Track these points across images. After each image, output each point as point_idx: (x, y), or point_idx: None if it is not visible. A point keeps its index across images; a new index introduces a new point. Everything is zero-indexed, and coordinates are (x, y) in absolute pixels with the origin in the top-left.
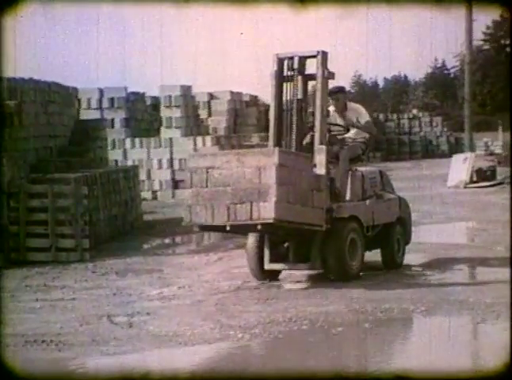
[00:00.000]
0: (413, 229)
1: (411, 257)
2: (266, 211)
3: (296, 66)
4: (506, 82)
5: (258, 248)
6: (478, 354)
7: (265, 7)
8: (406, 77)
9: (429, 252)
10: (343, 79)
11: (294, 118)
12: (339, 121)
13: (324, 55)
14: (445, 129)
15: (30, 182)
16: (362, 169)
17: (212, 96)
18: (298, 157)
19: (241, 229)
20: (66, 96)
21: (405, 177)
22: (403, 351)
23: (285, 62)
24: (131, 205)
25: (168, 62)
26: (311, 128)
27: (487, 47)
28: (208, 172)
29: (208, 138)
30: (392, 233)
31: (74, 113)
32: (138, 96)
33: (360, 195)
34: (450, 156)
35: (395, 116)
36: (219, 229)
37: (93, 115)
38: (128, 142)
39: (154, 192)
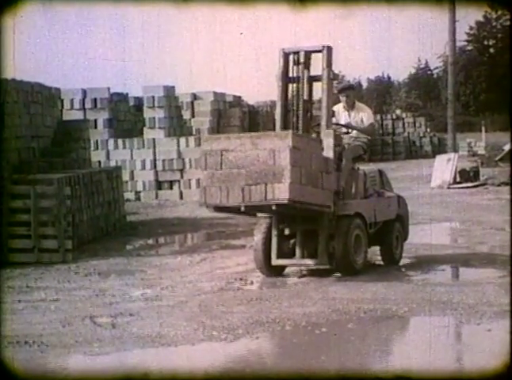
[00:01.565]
0: None
1: None
2: (281, 192)
3: (301, 60)
4: (489, 83)
5: (265, 244)
6: (461, 355)
7: (265, 7)
8: (389, 77)
9: (412, 252)
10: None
11: (300, 118)
12: (345, 118)
13: (329, 49)
14: (429, 130)
15: (12, 183)
16: (363, 167)
17: (195, 96)
18: (309, 141)
19: (255, 210)
20: (48, 96)
21: (388, 178)
22: (385, 352)
23: (291, 57)
24: (114, 206)
25: (167, 63)
26: (317, 126)
27: (469, 47)
28: (222, 154)
29: (192, 139)
30: (391, 230)
31: (56, 114)
32: (121, 97)
33: (362, 193)
34: (433, 156)
35: (378, 117)
36: (234, 210)
37: (76, 115)
38: (111, 142)
39: (137, 193)
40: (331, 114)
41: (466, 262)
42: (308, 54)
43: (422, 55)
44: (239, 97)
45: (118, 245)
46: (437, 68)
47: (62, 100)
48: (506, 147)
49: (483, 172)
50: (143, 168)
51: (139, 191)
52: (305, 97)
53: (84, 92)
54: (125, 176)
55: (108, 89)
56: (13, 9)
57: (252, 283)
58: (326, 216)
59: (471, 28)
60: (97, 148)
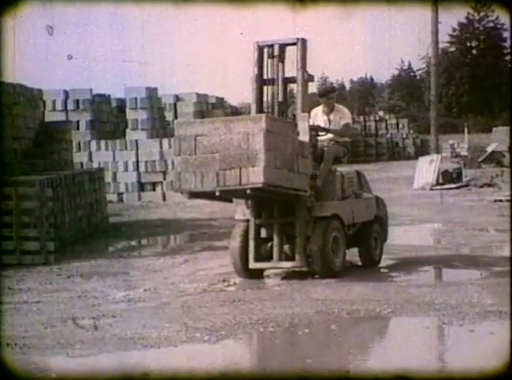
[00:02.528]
0: None
1: None
2: (255, 176)
3: (276, 53)
4: (471, 85)
5: (242, 247)
6: (443, 355)
7: (265, 7)
8: (372, 79)
9: (395, 253)
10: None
11: None
12: (324, 122)
13: (303, 42)
14: (412, 131)
15: None
16: (341, 169)
17: (178, 98)
18: (284, 124)
19: (230, 195)
20: (30, 97)
21: (371, 179)
22: (367, 352)
23: (265, 50)
24: (96, 207)
25: (167, 63)
26: None
27: (452, 49)
28: (196, 139)
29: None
30: (370, 232)
31: (38, 115)
32: (103, 98)
33: (340, 194)
34: (416, 158)
35: (361, 118)
36: (208, 195)
37: (58, 117)
38: (93, 144)
39: (119, 195)
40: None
41: (449, 263)
42: (283, 47)
43: (405, 57)
44: (222, 99)
45: (100, 246)
46: (419, 69)
47: (44, 102)
48: (489, 148)
49: (466, 173)
50: (126, 169)
51: (122, 193)
52: (280, 99)
53: (66, 93)
54: (108, 178)
55: (91, 90)
56: (13, 9)
57: (235, 284)
58: (303, 216)
59: (453, 30)
60: (80, 149)
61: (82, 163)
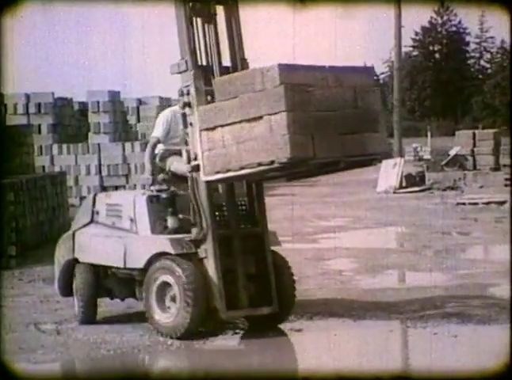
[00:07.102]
0: (343, 234)
1: (341, 262)
2: (378, 144)
3: (210, 11)
4: (434, 88)
5: (204, 290)
6: (408, 359)
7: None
8: None
9: (358, 257)
10: None
11: None
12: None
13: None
14: None
15: None
16: None
17: (140, 101)
18: None
19: (349, 166)
20: None
21: (334, 183)
22: (333, 355)
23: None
24: (58, 211)
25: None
26: None
27: (415, 53)
28: (308, 91)
29: (137, 144)
30: None
31: None
32: (65, 102)
33: None
34: (380, 161)
35: None
36: (325, 166)
37: (20, 120)
38: (55, 147)
39: (82, 198)
40: None
41: (412, 266)
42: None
43: (367, 60)
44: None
45: None
46: (382, 73)
47: (5, 105)
48: (452, 152)
49: (429, 176)
50: (88, 173)
51: (84, 197)
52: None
53: (27, 96)
54: (70, 182)
55: (53, 93)
56: (13, 9)
57: None
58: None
59: (416, 34)
60: (41, 153)
61: (43, 167)
